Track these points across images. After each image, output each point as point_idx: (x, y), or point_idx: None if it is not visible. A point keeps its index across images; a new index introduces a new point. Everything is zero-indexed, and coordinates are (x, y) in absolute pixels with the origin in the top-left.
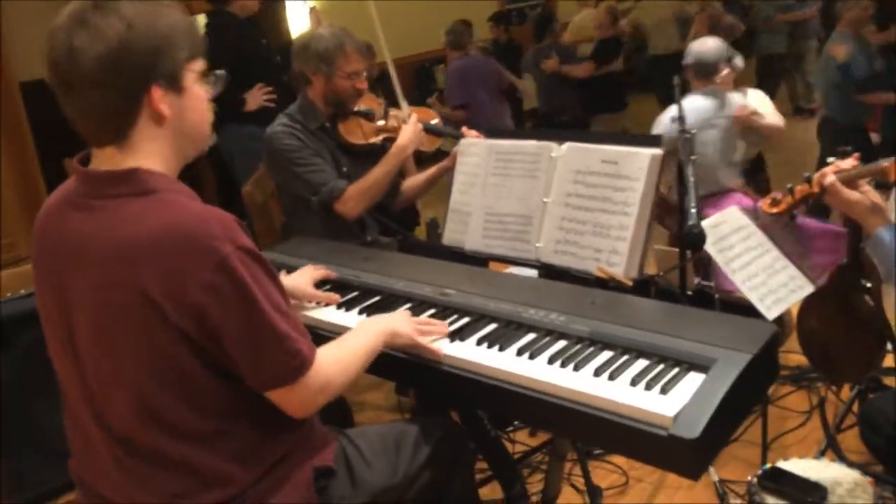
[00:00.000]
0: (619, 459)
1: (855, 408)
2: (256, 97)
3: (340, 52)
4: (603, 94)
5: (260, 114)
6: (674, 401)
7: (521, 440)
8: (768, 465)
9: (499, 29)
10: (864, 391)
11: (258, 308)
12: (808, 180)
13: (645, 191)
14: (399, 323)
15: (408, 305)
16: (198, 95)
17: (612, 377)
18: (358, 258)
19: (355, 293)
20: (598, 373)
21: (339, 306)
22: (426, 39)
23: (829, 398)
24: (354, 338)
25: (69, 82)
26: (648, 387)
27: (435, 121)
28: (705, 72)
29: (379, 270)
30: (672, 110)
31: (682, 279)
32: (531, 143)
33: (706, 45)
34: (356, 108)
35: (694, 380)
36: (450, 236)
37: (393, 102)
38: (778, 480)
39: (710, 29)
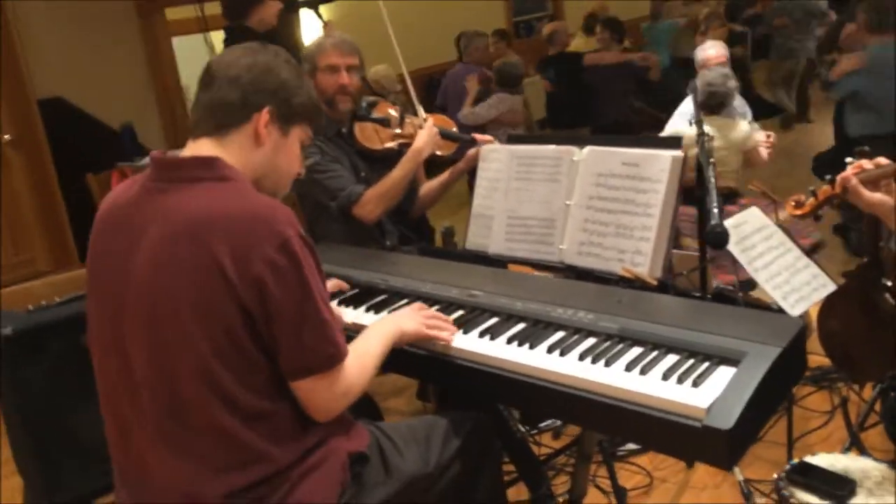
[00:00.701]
0: (643, 460)
1: (877, 406)
2: None
3: (319, 49)
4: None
5: None
6: (706, 393)
7: (545, 443)
8: (795, 461)
9: (501, 44)
10: (886, 389)
11: (310, 292)
12: (832, 181)
13: (667, 192)
14: (405, 322)
15: (436, 307)
16: (295, 149)
17: (643, 372)
18: (385, 262)
19: (383, 296)
20: (629, 368)
21: (369, 309)
22: (438, 52)
23: (851, 398)
24: (366, 343)
25: (213, 76)
26: (680, 380)
27: (453, 128)
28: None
29: (406, 274)
30: (681, 113)
31: (703, 279)
32: (552, 148)
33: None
34: (373, 116)
35: (725, 373)
36: (473, 240)
37: (410, 112)
38: (806, 475)
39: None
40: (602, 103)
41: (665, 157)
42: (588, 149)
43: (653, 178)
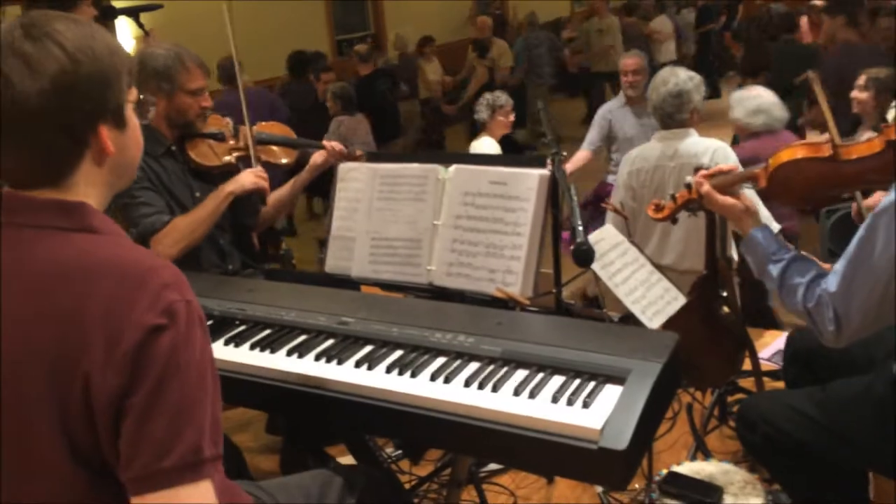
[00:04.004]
0: (505, 479)
1: (716, 411)
2: None
3: (181, 68)
4: None
5: None
6: (598, 413)
7: (405, 469)
8: (664, 471)
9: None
10: (723, 394)
11: (181, 374)
12: (689, 187)
13: (536, 210)
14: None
15: (303, 337)
16: (135, 126)
17: (532, 395)
18: (239, 290)
19: (242, 328)
20: (517, 392)
21: (228, 342)
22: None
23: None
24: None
25: (2, 120)
26: (570, 402)
27: (292, 136)
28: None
29: (265, 301)
30: None
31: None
32: (417, 166)
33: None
34: (205, 131)
35: (612, 392)
36: (333, 263)
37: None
38: (676, 484)
39: None
40: None
41: (533, 176)
42: (454, 167)
43: (521, 196)
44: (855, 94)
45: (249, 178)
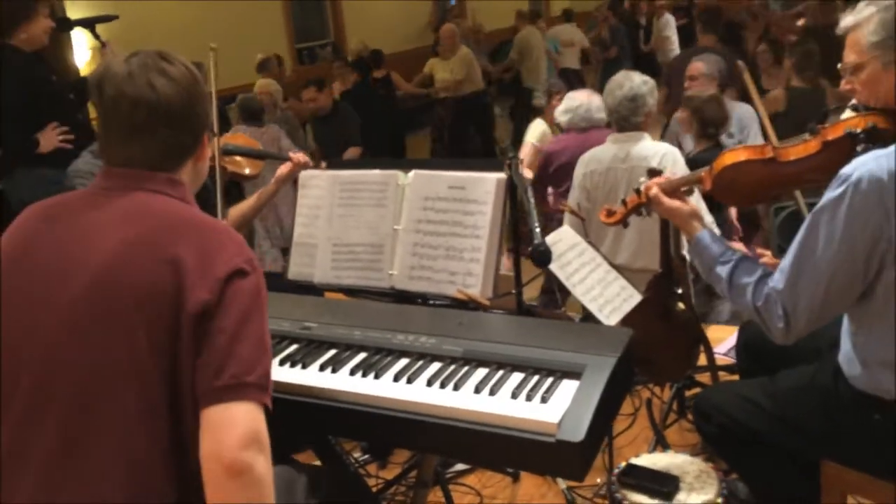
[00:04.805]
0: (471, 479)
1: (674, 406)
2: (51, 138)
3: None
4: None
5: (52, 156)
6: (555, 408)
7: (373, 473)
8: (623, 463)
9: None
10: (681, 388)
11: (262, 313)
12: (638, 191)
13: (494, 213)
14: None
15: None
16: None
17: (492, 392)
18: None
19: None
20: (478, 389)
21: None
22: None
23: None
24: None
25: (148, 120)
26: (529, 398)
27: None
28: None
29: None
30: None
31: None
32: (377, 173)
33: None
34: None
35: (569, 387)
36: (296, 270)
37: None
38: (634, 475)
39: None
40: None
41: (490, 180)
42: (413, 173)
43: (479, 199)
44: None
45: None
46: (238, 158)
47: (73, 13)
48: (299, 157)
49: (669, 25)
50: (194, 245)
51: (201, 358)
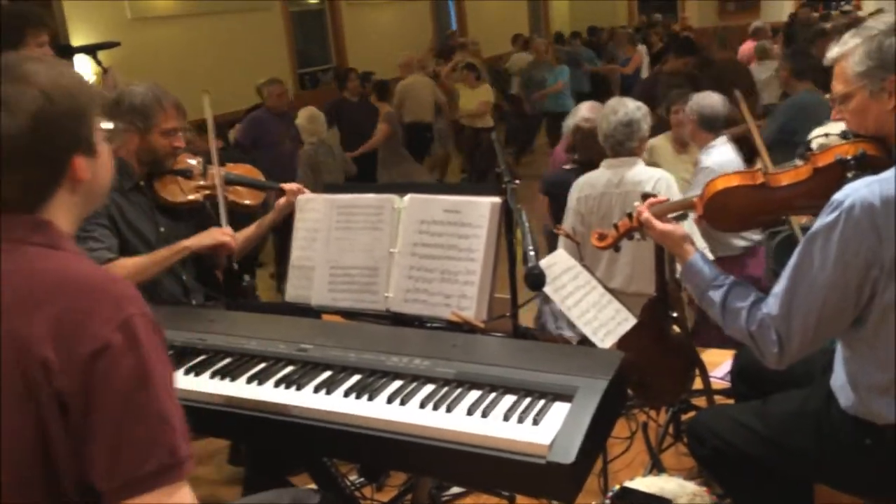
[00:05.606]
0: (467, 502)
1: (670, 429)
2: None
3: (158, 108)
4: None
5: None
6: (547, 430)
7: (368, 496)
8: (617, 486)
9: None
10: (677, 412)
11: (151, 384)
12: (630, 216)
13: (488, 236)
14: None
15: (263, 365)
16: (105, 153)
17: (484, 414)
18: (200, 321)
19: (203, 357)
20: (470, 411)
21: (188, 371)
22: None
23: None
24: None
25: None
26: (521, 420)
27: (259, 177)
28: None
29: (226, 331)
30: None
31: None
32: (373, 196)
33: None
34: (174, 168)
35: (561, 409)
36: (293, 293)
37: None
38: (627, 499)
39: None
40: None
41: (485, 204)
42: (409, 196)
43: (474, 223)
44: None
45: (211, 235)
46: (240, 189)
47: (75, 40)
48: (292, 186)
49: None
50: (54, 316)
51: (87, 449)
